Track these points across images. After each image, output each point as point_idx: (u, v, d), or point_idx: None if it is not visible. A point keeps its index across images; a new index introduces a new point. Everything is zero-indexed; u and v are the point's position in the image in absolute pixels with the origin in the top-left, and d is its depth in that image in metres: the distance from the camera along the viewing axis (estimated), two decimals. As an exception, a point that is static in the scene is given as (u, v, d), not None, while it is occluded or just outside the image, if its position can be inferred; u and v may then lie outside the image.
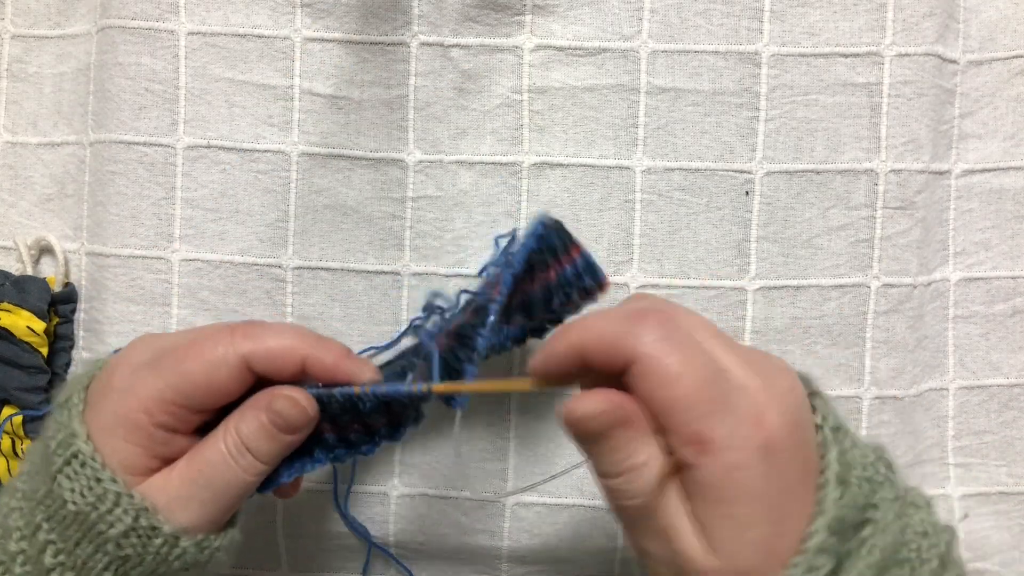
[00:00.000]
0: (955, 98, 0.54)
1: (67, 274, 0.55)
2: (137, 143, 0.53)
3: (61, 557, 0.38)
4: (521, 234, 0.45)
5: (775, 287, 0.53)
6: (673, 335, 0.34)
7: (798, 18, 0.53)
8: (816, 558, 0.32)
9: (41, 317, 0.53)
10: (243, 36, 0.53)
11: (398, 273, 0.54)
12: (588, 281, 0.44)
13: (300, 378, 0.41)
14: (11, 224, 0.56)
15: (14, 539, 0.39)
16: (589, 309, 0.45)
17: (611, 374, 0.35)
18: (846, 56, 0.53)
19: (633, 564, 0.54)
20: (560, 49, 0.53)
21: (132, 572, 0.39)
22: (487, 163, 0.53)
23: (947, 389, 0.55)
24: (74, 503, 0.38)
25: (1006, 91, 0.54)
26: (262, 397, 0.40)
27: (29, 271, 0.55)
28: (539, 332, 0.46)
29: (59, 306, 0.54)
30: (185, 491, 0.39)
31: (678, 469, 0.34)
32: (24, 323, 0.52)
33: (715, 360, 0.34)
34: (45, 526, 0.38)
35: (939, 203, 0.55)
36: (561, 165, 0.53)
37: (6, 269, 0.55)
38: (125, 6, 0.53)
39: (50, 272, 0.55)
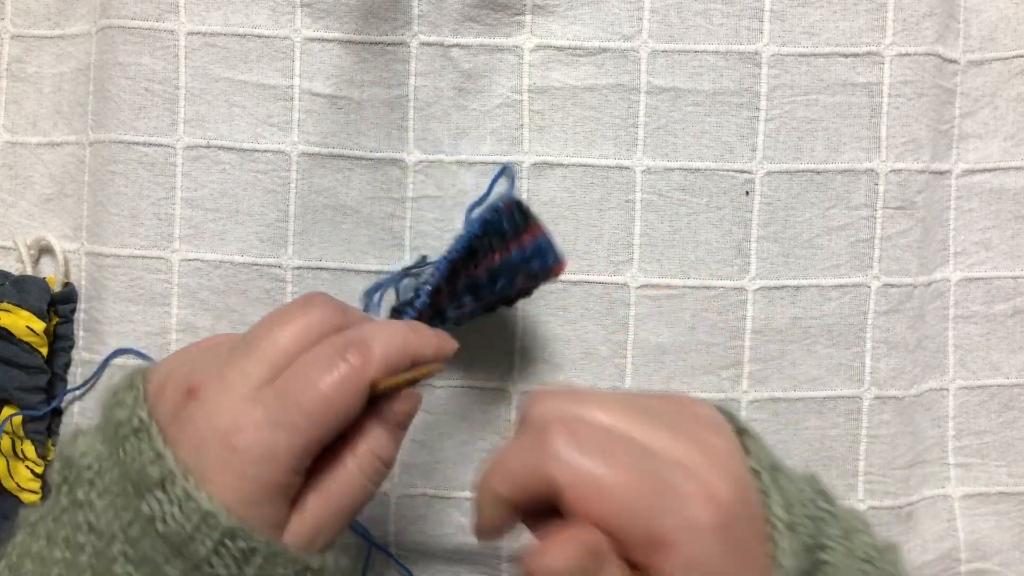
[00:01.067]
0: (955, 98, 0.54)
1: (67, 274, 0.55)
2: (137, 143, 0.53)
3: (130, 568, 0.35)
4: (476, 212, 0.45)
5: (775, 287, 0.53)
6: (585, 443, 0.31)
7: (798, 18, 0.52)
8: None
9: (41, 317, 0.53)
10: (243, 36, 0.53)
11: (398, 273, 0.54)
12: (535, 265, 0.45)
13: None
14: (11, 224, 0.56)
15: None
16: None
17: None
18: (846, 56, 0.53)
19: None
20: (560, 49, 0.53)
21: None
22: (487, 163, 0.53)
23: (947, 389, 0.55)
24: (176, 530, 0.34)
25: (1006, 91, 0.54)
26: (377, 410, 0.37)
27: (29, 271, 0.55)
28: (495, 308, 0.48)
29: (59, 306, 0.54)
30: (322, 525, 0.36)
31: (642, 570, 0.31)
32: (24, 323, 0.52)
33: (640, 445, 0.32)
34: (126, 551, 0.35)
35: (939, 203, 0.55)
36: (561, 165, 0.53)
37: (6, 269, 0.55)
38: (125, 6, 0.53)
39: (50, 272, 0.55)
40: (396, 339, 0.37)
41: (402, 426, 0.38)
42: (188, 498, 0.33)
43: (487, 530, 0.34)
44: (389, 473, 0.38)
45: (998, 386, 0.55)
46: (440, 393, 0.54)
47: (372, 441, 0.37)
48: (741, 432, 0.35)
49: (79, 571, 0.35)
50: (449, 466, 0.54)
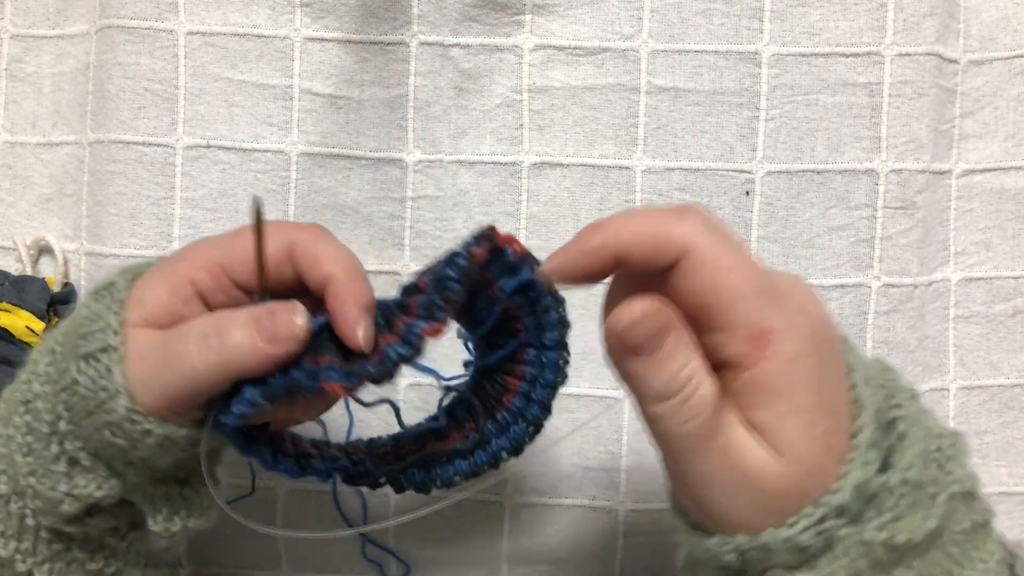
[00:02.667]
0: (956, 98, 0.54)
1: (66, 274, 0.55)
2: (136, 143, 0.53)
3: (50, 368, 0.40)
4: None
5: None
6: (718, 227, 0.34)
7: (798, 18, 0.52)
8: (868, 452, 0.33)
9: (40, 317, 0.53)
10: (242, 36, 0.53)
11: (398, 273, 0.54)
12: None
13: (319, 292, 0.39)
14: (10, 224, 0.56)
15: (44, 421, 0.39)
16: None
17: (650, 271, 0.34)
18: (846, 56, 0.52)
19: (627, 564, 0.54)
20: (560, 49, 0.53)
21: (78, 405, 0.38)
22: (487, 163, 0.53)
23: (948, 389, 0.55)
24: (81, 318, 0.39)
25: (1007, 91, 0.54)
26: (272, 303, 0.38)
27: (28, 271, 0.54)
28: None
29: (58, 306, 0.54)
30: (150, 349, 0.38)
31: (729, 377, 0.33)
32: (23, 323, 0.52)
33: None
34: (62, 402, 0.39)
35: (940, 203, 0.55)
36: (561, 165, 0.53)
37: (5, 269, 0.55)
38: (124, 6, 0.53)
39: (49, 272, 0.55)
40: (336, 253, 0.39)
41: (264, 329, 0.37)
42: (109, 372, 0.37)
43: (572, 262, 0.35)
44: (215, 360, 0.37)
45: (998, 386, 0.55)
46: (439, 394, 0.53)
47: (235, 311, 0.38)
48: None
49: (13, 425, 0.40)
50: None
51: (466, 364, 0.44)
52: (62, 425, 0.39)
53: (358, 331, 0.37)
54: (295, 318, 0.37)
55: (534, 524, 0.54)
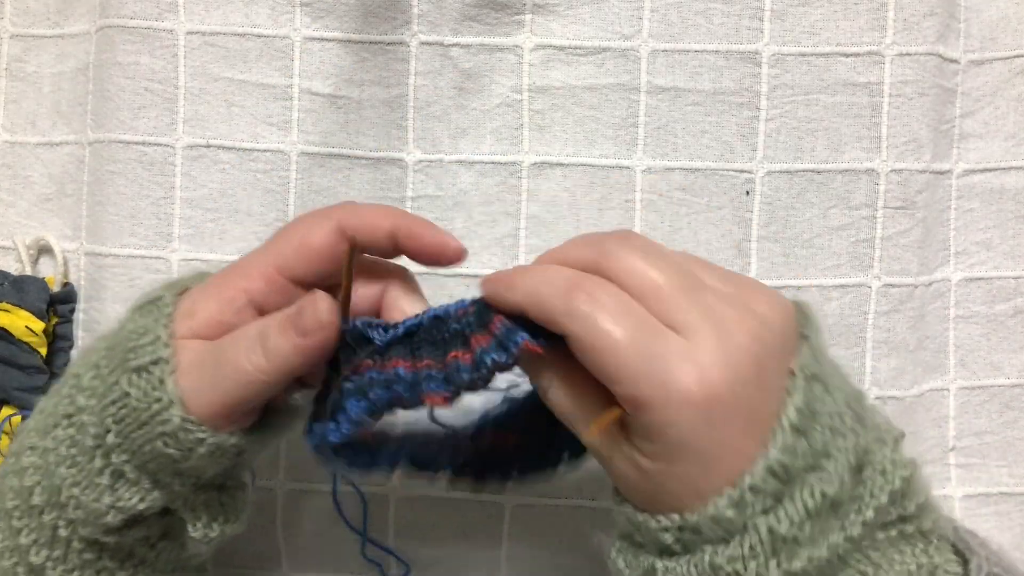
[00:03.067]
0: (956, 98, 0.54)
1: (66, 274, 0.55)
2: (136, 143, 0.53)
3: (95, 382, 0.40)
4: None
5: (776, 287, 0.53)
6: (606, 300, 0.34)
7: (799, 17, 0.52)
8: (746, 495, 0.34)
9: (40, 317, 0.53)
10: (242, 35, 0.53)
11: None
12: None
13: (392, 253, 0.41)
14: (10, 224, 0.56)
15: (90, 434, 0.40)
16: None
17: None
18: (847, 55, 0.52)
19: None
20: (560, 48, 0.53)
21: (128, 418, 0.39)
22: (487, 163, 0.53)
23: (948, 390, 0.55)
24: (129, 331, 0.40)
25: (1007, 91, 0.54)
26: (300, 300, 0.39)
27: (28, 271, 0.54)
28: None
29: (58, 306, 0.54)
30: (200, 358, 0.39)
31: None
32: (23, 323, 0.52)
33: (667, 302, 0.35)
34: (111, 415, 0.39)
35: (940, 203, 0.54)
36: (561, 165, 0.53)
37: (5, 269, 0.55)
38: (124, 5, 0.53)
39: (49, 272, 0.55)
40: (380, 209, 0.41)
41: (294, 322, 0.38)
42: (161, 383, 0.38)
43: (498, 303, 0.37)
44: (267, 366, 0.38)
45: (999, 386, 0.55)
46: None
47: (272, 316, 0.39)
48: (802, 336, 0.36)
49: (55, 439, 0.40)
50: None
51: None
52: (110, 438, 0.39)
53: (448, 240, 0.40)
54: (318, 305, 0.38)
55: (534, 524, 0.54)
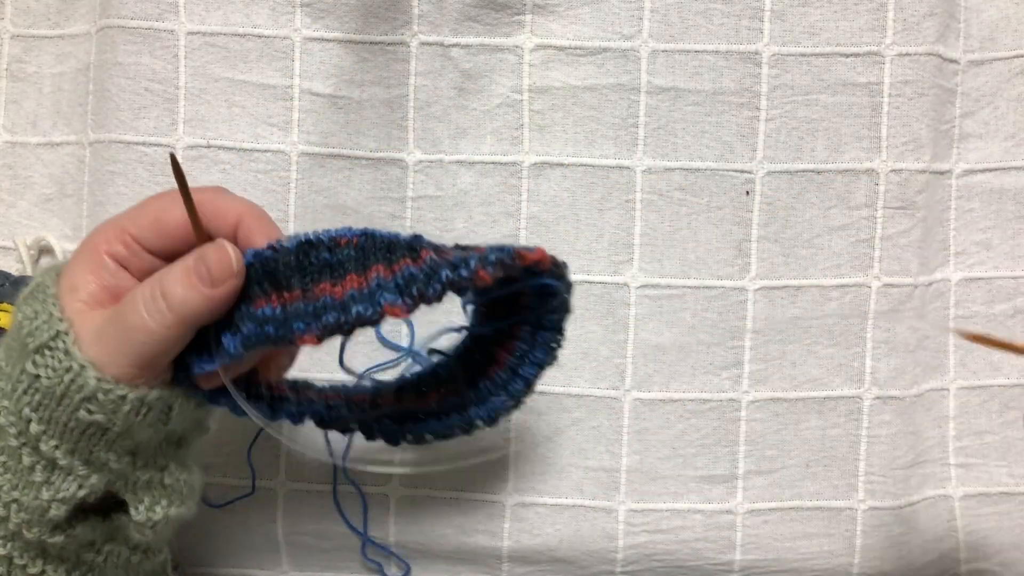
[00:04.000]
0: (956, 98, 0.54)
1: (67, 274, 0.55)
2: (137, 143, 0.53)
3: (1, 383, 0.40)
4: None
5: (776, 287, 0.53)
6: None
7: (799, 18, 0.52)
8: None
9: (41, 317, 0.53)
10: (243, 36, 0.53)
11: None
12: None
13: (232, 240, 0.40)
14: (10, 224, 0.56)
15: (11, 434, 0.39)
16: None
17: None
18: (847, 56, 0.52)
19: (627, 564, 0.54)
20: (560, 49, 0.53)
21: (45, 399, 0.39)
22: (487, 163, 0.53)
23: (948, 389, 0.55)
24: (20, 321, 0.40)
25: (1007, 91, 0.54)
26: (198, 248, 0.39)
27: (29, 271, 0.54)
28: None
29: (59, 306, 0.54)
30: (101, 327, 0.38)
31: None
32: (24, 323, 0.52)
33: None
34: (27, 404, 0.39)
35: (940, 203, 0.55)
36: (561, 165, 0.53)
37: (6, 269, 0.55)
38: (124, 6, 0.53)
39: (50, 272, 0.55)
40: (235, 200, 0.41)
41: (200, 274, 0.38)
42: (49, 316, 0.39)
43: None
44: (171, 319, 0.38)
45: (999, 386, 0.55)
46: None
47: (167, 268, 0.39)
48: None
49: None
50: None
51: (459, 329, 0.44)
52: (33, 428, 0.39)
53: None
54: (227, 253, 0.38)
55: (534, 524, 0.54)
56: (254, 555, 0.55)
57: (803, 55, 0.52)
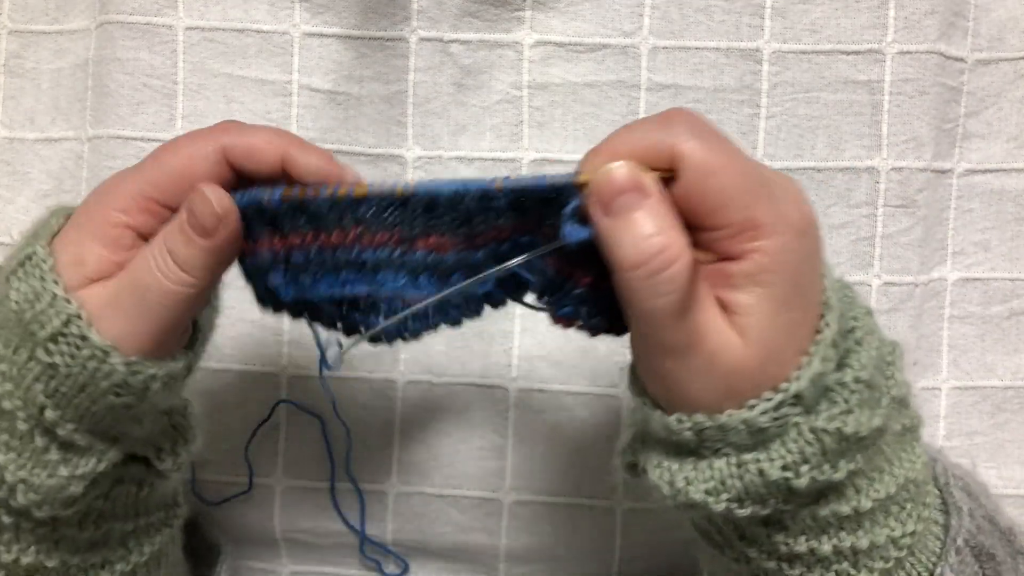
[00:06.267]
0: (961, 96, 0.54)
1: (67, 269, 0.55)
2: (135, 139, 0.53)
3: (2, 366, 0.37)
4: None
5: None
6: (706, 131, 0.35)
7: (799, 15, 0.52)
8: (828, 348, 0.35)
9: (41, 313, 0.53)
10: (241, 31, 0.53)
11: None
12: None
13: (279, 180, 0.38)
14: (8, 220, 0.56)
15: (19, 418, 0.38)
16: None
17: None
18: (847, 53, 0.52)
19: (625, 562, 0.55)
20: (560, 45, 0.53)
21: (63, 386, 0.37)
22: (487, 159, 0.53)
23: (940, 389, 0.55)
24: (16, 303, 0.37)
25: (1012, 92, 0.54)
26: (187, 199, 0.37)
27: (29, 266, 0.55)
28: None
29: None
30: (114, 298, 0.37)
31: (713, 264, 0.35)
32: (24, 319, 0.52)
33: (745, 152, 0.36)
34: (40, 391, 0.37)
35: (940, 202, 0.54)
36: (561, 161, 0.53)
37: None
38: (123, 1, 0.53)
39: (50, 266, 0.55)
40: (269, 133, 0.39)
41: (193, 226, 0.37)
42: (30, 245, 0.37)
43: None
44: (185, 277, 0.37)
45: (991, 388, 0.55)
46: (438, 391, 0.54)
47: (168, 224, 0.37)
48: None
49: None
50: (446, 464, 0.54)
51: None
52: (48, 415, 0.37)
53: (337, 171, 0.39)
54: (207, 198, 0.36)
55: (532, 522, 0.54)
56: (253, 552, 0.55)
57: (804, 52, 0.52)
